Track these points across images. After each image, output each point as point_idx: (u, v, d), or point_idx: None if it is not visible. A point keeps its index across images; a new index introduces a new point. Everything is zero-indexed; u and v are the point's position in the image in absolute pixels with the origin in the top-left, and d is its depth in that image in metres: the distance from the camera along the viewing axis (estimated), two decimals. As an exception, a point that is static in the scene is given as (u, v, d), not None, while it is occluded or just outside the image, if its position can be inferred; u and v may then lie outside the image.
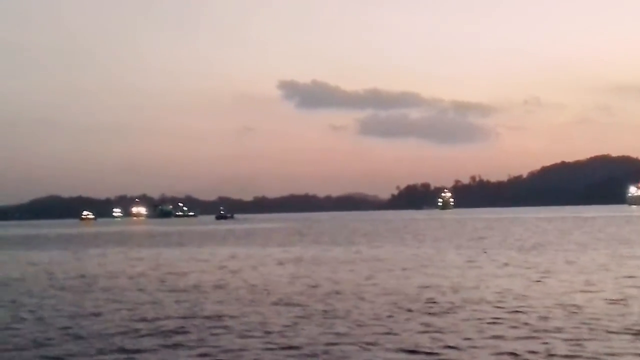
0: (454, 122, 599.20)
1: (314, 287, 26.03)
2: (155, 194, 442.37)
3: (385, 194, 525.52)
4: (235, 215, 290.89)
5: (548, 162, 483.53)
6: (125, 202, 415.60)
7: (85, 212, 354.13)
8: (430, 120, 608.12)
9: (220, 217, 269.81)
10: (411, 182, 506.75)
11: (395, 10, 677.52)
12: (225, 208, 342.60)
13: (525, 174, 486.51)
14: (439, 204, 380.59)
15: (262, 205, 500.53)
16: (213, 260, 41.76)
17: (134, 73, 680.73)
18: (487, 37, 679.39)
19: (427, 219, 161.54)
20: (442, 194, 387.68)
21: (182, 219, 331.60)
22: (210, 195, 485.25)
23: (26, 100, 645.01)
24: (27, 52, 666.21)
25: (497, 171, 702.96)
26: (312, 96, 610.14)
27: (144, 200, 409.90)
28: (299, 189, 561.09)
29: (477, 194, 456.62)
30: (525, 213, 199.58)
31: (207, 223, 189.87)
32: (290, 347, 14.80)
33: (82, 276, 33.44)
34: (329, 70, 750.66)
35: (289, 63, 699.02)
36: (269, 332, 16.65)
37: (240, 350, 14.76)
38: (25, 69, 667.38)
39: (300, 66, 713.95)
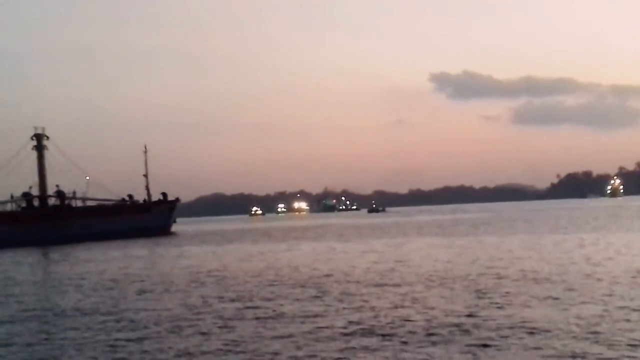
0: (613, 107, 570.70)
1: None
2: (312, 190, 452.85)
3: (542, 184, 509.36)
4: (387, 209, 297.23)
5: None
6: (285, 198, 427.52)
7: (254, 208, 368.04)
8: (587, 106, 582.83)
9: (372, 211, 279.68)
10: (571, 170, 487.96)
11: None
12: (382, 201, 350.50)
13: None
14: (607, 191, 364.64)
15: (417, 198, 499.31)
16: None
17: (287, 73, 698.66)
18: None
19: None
20: (612, 181, 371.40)
21: (345, 212, 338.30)
22: (366, 190, 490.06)
23: (189, 103, 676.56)
24: (191, 56, 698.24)
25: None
26: (463, 87, 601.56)
27: (303, 195, 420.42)
28: (454, 181, 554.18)
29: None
30: None
31: (366, 217, 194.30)
32: None
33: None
34: (480, 60, 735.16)
35: (440, 55, 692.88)
36: None
37: None
38: (187, 72, 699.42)
39: (451, 57, 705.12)
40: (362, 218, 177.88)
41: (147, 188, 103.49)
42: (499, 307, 20.76)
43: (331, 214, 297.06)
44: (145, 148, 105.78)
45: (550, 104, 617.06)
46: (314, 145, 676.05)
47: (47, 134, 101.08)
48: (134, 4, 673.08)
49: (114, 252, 63.19)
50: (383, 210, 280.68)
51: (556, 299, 21.92)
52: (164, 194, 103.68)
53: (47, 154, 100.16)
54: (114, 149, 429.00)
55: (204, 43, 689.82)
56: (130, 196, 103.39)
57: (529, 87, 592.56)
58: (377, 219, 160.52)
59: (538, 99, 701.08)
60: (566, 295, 22.58)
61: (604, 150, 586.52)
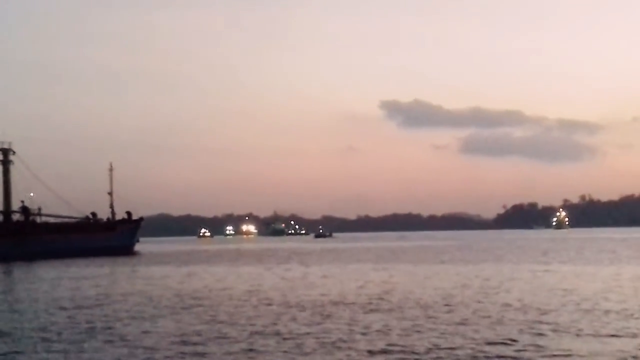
0: (558, 141, 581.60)
1: None
2: (260, 213, 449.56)
3: (488, 214, 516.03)
4: (334, 234, 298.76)
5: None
6: (233, 220, 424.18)
7: (202, 230, 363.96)
8: (534, 138, 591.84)
9: (319, 236, 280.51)
10: (517, 201, 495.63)
11: (498, 29, 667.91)
12: (330, 227, 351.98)
13: (637, 193, 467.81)
14: (553, 223, 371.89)
15: (365, 224, 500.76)
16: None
17: (239, 97, 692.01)
18: (593, 54, 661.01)
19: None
20: (557, 213, 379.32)
21: (294, 237, 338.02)
22: (315, 214, 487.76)
23: (146, 123, 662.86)
24: (152, 76, 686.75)
25: (606, 190, 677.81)
26: (414, 115, 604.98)
27: (251, 218, 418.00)
28: (402, 208, 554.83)
29: (587, 213, 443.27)
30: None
31: (317, 241, 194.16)
32: None
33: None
34: (431, 89, 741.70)
35: (391, 83, 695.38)
36: None
37: None
38: (146, 92, 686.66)
39: (402, 86, 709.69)
40: (314, 243, 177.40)
41: (112, 206, 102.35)
42: (537, 334, 20.34)
43: (279, 238, 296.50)
44: (111, 166, 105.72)
45: (498, 135, 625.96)
46: (263, 168, 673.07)
47: (14, 149, 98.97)
48: (98, 22, 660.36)
49: (81, 270, 61.38)
50: (330, 236, 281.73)
51: (574, 328, 21.62)
52: (129, 213, 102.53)
53: (13, 169, 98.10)
54: (77, 166, 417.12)
55: (164, 64, 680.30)
56: (93, 214, 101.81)
57: (478, 117, 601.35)
58: (330, 244, 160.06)
59: (486, 130, 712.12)
60: (577, 325, 22.30)
61: (549, 182, 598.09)
